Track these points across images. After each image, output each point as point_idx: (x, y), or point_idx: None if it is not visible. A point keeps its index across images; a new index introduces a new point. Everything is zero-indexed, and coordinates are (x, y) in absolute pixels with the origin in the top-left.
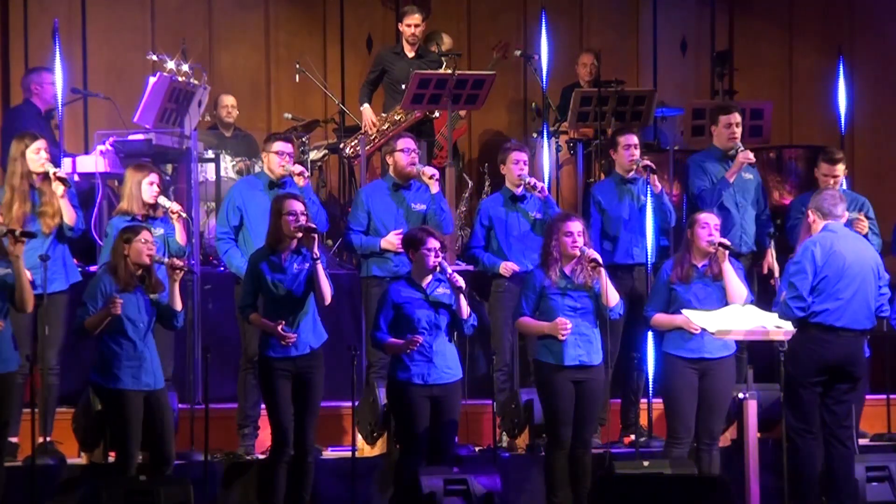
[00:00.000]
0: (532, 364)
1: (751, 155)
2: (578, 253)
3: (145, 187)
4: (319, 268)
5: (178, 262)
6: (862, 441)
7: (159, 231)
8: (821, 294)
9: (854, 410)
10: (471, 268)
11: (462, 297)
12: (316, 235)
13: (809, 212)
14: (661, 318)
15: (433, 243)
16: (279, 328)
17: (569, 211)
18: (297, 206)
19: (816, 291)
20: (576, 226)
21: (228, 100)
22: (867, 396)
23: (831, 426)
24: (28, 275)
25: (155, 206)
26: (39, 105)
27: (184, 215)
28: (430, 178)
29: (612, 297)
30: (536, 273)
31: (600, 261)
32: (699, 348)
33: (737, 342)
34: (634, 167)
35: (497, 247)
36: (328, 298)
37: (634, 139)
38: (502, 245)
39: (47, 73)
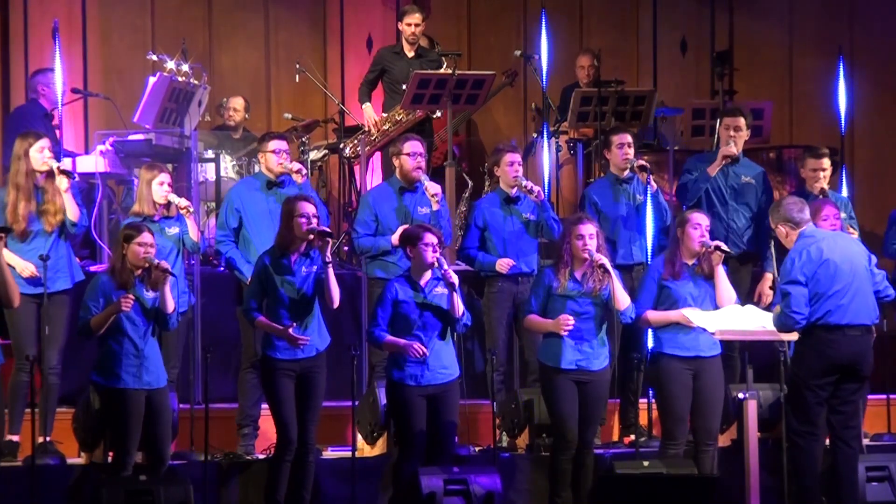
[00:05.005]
0: (536, 364)
1: (733, 149)
2: (588, 256)
3: (155, 187)
4: (331, 272)
5: (164, 265)
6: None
7: (174, 230)
8: (819, 300)
9: (859, 410)
10: (470, 268)
11: (455, 295)
12: (330, 240)
13: (779, 227)
14: (654, 315)
15: (430, 238)
16: (289, 331)
17: (583, 214)
18: (309, 209)
19: (814, 299)
20: (587, 229)
21: (235, 102)
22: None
23: (837, 427)
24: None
25: (168, 205)
26: (46, 105)
27: (191, 210)
28: (433, 196)
29: (622, 300)
30: (547, 272)
31: (608, 265)
32: (694, 346)
33: (722, 342)
34: (629, 166)
35: (491, 248)
36: (336, 302)
37: (628, 138)
38: (497, 246)
39: (55, 74)
